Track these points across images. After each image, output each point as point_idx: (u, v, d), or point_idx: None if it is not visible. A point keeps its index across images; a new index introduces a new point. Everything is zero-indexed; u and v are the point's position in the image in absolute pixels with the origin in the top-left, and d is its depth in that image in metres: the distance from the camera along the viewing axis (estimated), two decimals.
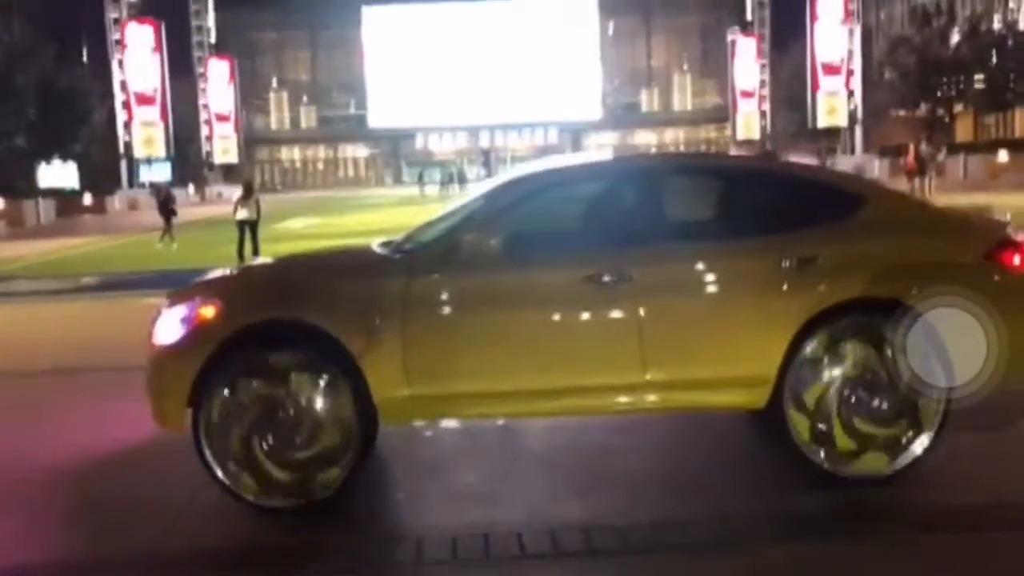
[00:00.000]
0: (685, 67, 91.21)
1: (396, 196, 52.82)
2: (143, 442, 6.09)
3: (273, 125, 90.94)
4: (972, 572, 4.12)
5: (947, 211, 5.68)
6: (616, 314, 4.97)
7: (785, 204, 5.23)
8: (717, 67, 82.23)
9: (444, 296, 5.01)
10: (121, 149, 61.69)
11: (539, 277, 5.05)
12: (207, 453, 4.95)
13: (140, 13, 63.23)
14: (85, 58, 65.20)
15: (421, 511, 5.06)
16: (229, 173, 70.00)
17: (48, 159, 48.73)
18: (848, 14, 63.83)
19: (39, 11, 50.91)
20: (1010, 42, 55.68)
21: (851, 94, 64.23)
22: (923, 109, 61.89)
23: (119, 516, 5.10)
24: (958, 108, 62.60)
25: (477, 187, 6.13)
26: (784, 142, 71.14)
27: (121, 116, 61.79)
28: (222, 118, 73.53)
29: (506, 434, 6.11)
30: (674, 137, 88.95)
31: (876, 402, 4.94)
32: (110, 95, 61.68)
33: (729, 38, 73.45)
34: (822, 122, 63.98)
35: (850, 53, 63.81)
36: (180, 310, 5.13)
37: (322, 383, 4.94)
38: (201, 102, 73.25)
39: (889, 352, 4.89)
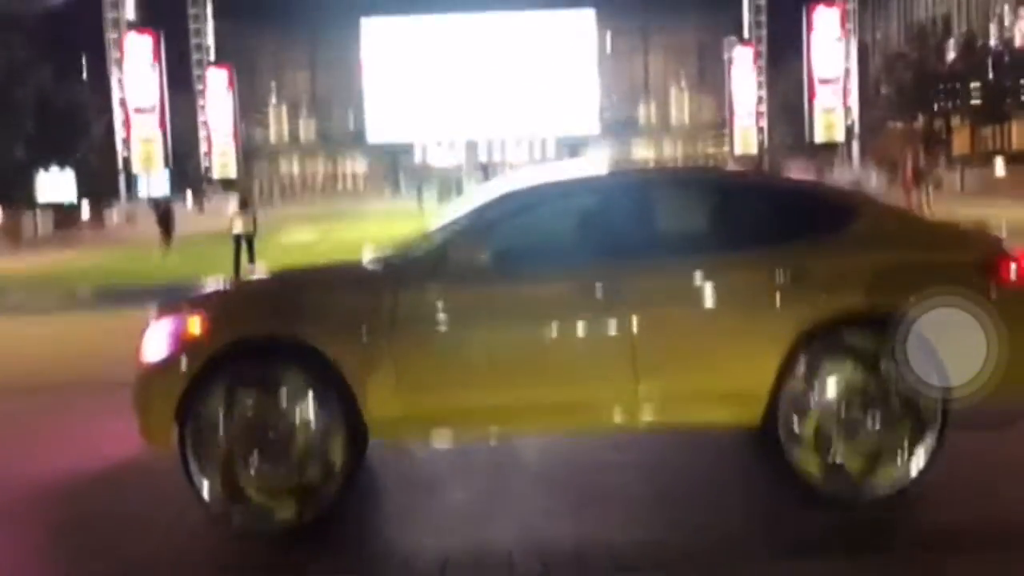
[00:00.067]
0: (683, 82, 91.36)
1: (394, 208, 52.75)
2: (133, 458, 6.03)
3: (272, 138, 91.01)
4: None
5: (941, 224, 5.64)
6: (608, 329, 4.93)
7: (778, 217, 5.21)
8: (714, 82, 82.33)
9: (433, 310, 4.97)
10: (120, 164, 61.67)
11: (530, 291, 5.01)
12: (193, 470, 4.89)
13: (138, 23, 63.31)
14: (84, 73, 65.26)
15: (411, 528, 5.00)
16: (228, 185, 69.96)
17: (47, 166, 48.66)
18: (844, 30, 63.96)
19: (38, 26, 50.94)
20: (1007, 58, 55.80)
21: (848, 109, 64.33)
22: (920, 122, 61.98)
23: (108, 534, 5.04)
24: (955, 121, 62.71)
25: (470, 199, 6.09)
26: (782, 156, 71.23)
27: (120, 133, 61.79)
28: (220, 128, 73.51)
29: (498, 450, 6.05)
30: (672, 151, 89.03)
31: (872, 417, 4.89)
32: (108, 110, 61.71)
33: (726, 54, 73.59)
34: (819, 137, 64.01)
35: (847, 70, 63.93)
36: (167, 325, 5.09)
37: (310, 399, 4.89)
38: (200, 119, 73.30)
39: (885, 365, 4.85)
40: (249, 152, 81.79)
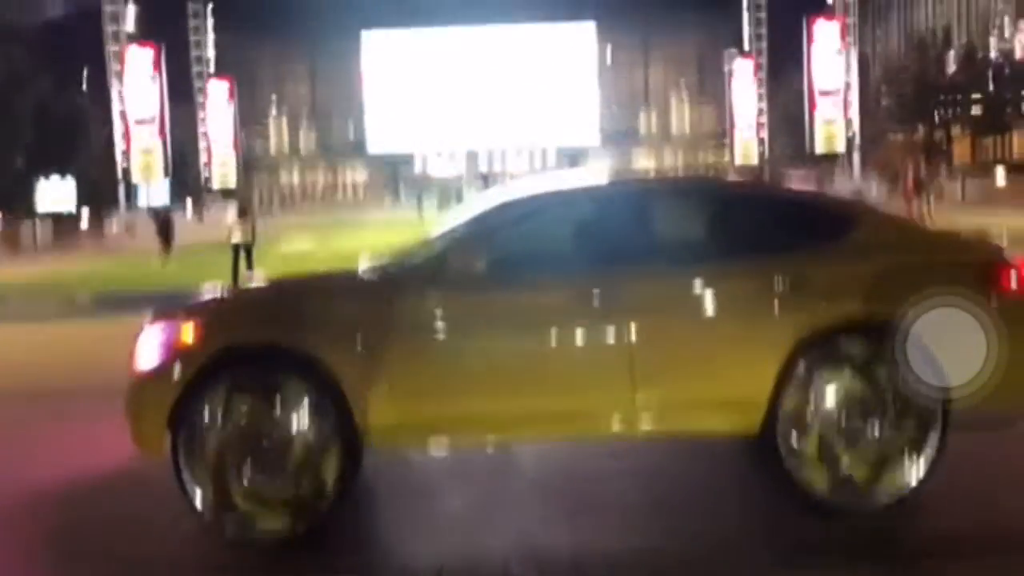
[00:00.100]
0: (683, 91, 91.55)
1: (394, 218, 52.78)
2: (128, 465, 5.97)
3: (272, 148, 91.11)
4: None
5: (940, 233, 5.61)
6: (605, 337, 4.89)
7: (777, 226, 5.17)
8: (715, 92, 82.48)
9: (429, 318, 4.93)
10: (119, 173, 61.69)
11: (527, 299, 4.97)
12: (186, 478, 4.84)
13: (140, 34, 63.42)
14: (85, 85, 65.37)
15: (407, 537, 4.95)
16: (228, 195, 70.00)
17: (47, 174, 48.70)
18: (844, 43, 64.07)
19: (39, 36, 51.07)
20: (1007, 70, 55.88)
21: (848, 121, 64.40)
22: (921, 132, 62.05)
23: (101, 540, 5.01)
24: (955, 131, 62.77)
25: (469, 208, 6.06)
26: (783, 167, 71.27)
27: (120, 144, 61.83)
28: (221, 139, 73.62)
29: (495, 457, 5.99)
30: (672, 161, 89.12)
31: (872, 425, 4.85)
32: (109, 120, 61.77)
33: (727, 66, 73.71)
34: (820, 148, 64.05)
35: (847, 82, 64.04)
36: (161, 332, 5.05)
37: (305, 407, 4.84)
38: (200, 130, 73.41)
39: (885, 372, 4.80)
40: (249, 162, 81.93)
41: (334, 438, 4.83)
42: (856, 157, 64.73)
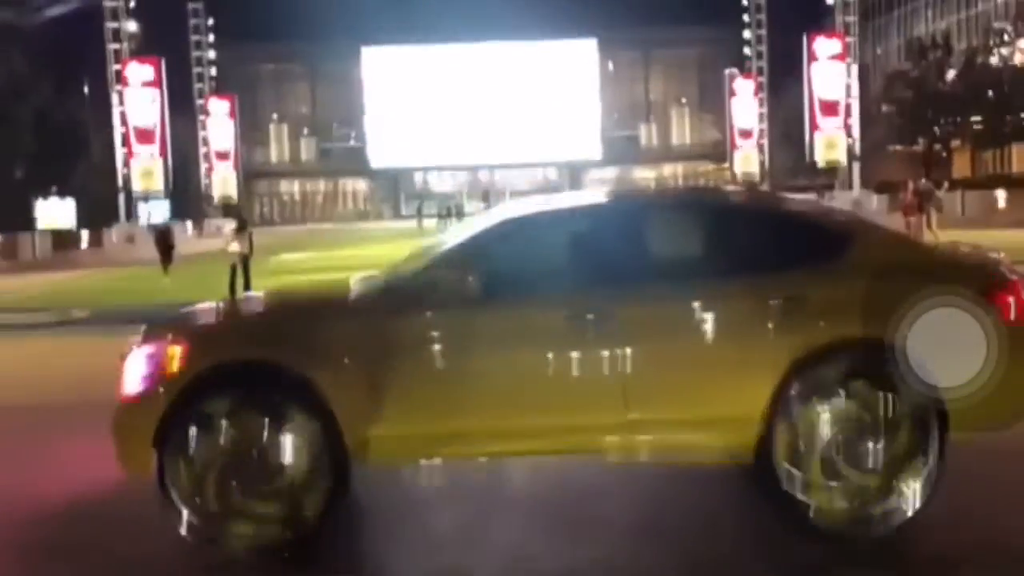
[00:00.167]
0: (684, 103, 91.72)
1: (394, 229, 52.85)
2: (114, 482, 5.90)
3: (273, 158, 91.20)
4: None
5: (938, 250, 5.53)
6: (598, 353, 4.83)
7: (773, 243, 5.11)
8: (715, 103, 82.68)
9: (419, 336, 4.86)
10: (120, 183, 61.75)
11: (518, 317, 4.90)
12: (173, 496, 4.78)
13: (141, 47, 63.58)
14: (86, 91, 65.47)
15: (395, 554, 4.88)
16: (228, 209, 70.14)
17: (45, 195, 48.73)
18: (845, 52, 64.23)
19: (39, 43, 51.17)
20: (1005, 80, 55.91)
21: (849, 131, 64.49)
22: (921, 145, 62.12)
23: (84, 565, 4.94)
24: (955, 144, 62.83)
25: (466, 225, 6.01)
26: (783, 179, 71.37)
27: (120, 151, 61.93)
28: (221, 155, 73.80)
29: (484, 475, 5.92)
30: (673, 172, 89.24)
31: (867, 447, 4.77)
32: (109, 129, 61.88)
33: (727, 84, 73.87)
34: (820, 159, 64.21)
35: (847, 89, 64.14)
36: (148, 348, 4.99)
37: (292, 424, 4.77)
38: (201, 140, 73.51)
39: (882, 392, 4.74)
40: (249, 174, 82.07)
41: (322, 454, 4.76)
42: (856, 169, 64.77)
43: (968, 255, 5.51)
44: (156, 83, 61.80)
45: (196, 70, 75.55)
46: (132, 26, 63.94)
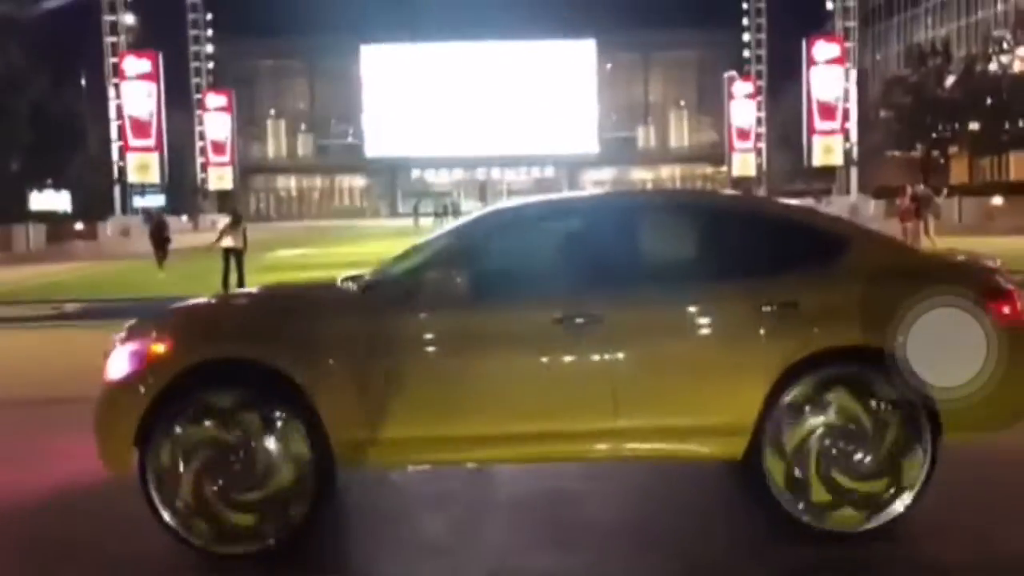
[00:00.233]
0: (682, 105, 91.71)
1: (391, 227, 52.81)
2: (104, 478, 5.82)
3: (270, 153, 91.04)
4: None
5: (933, 257, 5.46)
6: (587, 357, 4.76)
7: (766, 246, 5.04)
8: (714, 105, 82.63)
9: (406, 335, 4.78)
10: (115, 175, 61.55)
11: (507, 317, 4.82)
12: (154, 496, 4.69)
13: (138, 40, 63.38)
14: (83, 84, 65.30)
15: (381, 560, 4.80)
16: (224, 202, 70.01)
17: (40, 187, 48.63)
18: (844, 56, 64.21)
19: (37, 36, 51.01)
20: (1003, 87, 55.92)
21: (846, 135, 64.49)
22: (919, 151, 62.13)
23: (63, 562, 4.86)
24: (953, 150, 62.85)
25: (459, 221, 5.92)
26: (780, 181, 71.37)
27: (116, 143, 61.75)
28: (218, 148, 73.60)
29: (473, 479, 5.85)
30: (670, 174, 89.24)
31: (859, 454, 4.72)
32: (106, 122, 61.68)
33: (726, 87, 73.83)
34: (818, 162, 64.16)
35: (846, 93, 64.13)
36: (131, 345, 4.90)
37: (276, 424, 4.70)
38: (197, 134, 73.30)
39: (874, 399, 4.69)
40: (246, 169, 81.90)
41: (306, 455, 4.69)
42: (854, 172, 64.76)
43: (964, 262, 5.44)
44: (153, 76, 61.55)
45: (194, 64, 75.34)
46: (130, 19, 63.74)
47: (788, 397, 4.70)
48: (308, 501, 4.71)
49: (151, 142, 61.27)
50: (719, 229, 5.19)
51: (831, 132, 63.61)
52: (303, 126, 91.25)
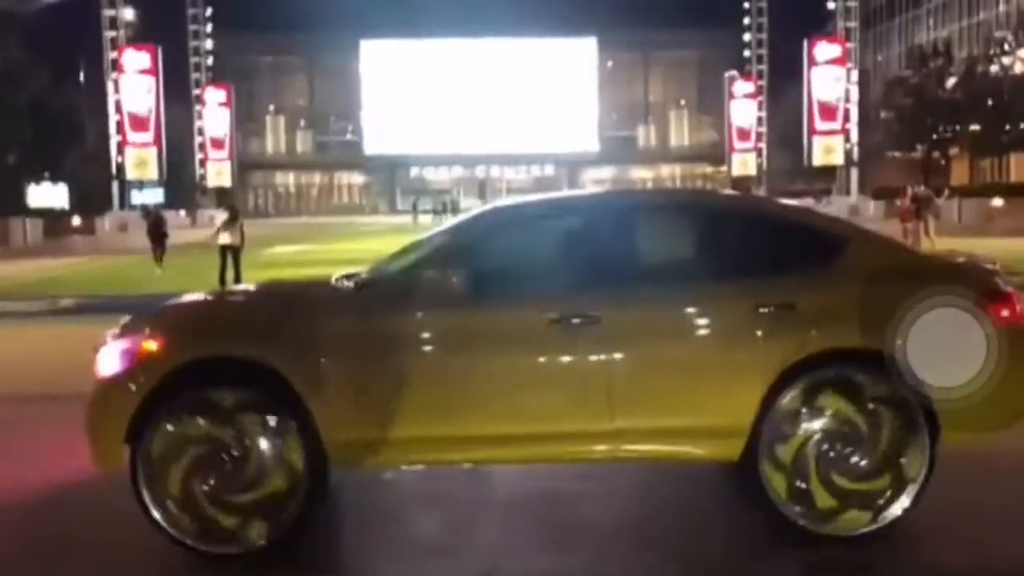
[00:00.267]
0: (682, 104, 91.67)
1: (389, 224, 52.76)
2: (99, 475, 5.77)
3: (269, 150, 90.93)
4: None
5: (932, 258, 5.40)
6: (583, 358, 4.70)
7: (764, 247, 4.99)
8: (714, 105, 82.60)
9: (400, 334, 4.71)
10: (113, 170, 61.43)
11: (503, 317, 4.76)
12: (144, 494, 4.64)
13: (137, 34, 63.24)
14: (81, 78, 65.16)
15: (375, 560, 4.74)
16: (222, 198, 69.93)
17: (38, 181, 48.56)
18: (845, 57, 64.15)
19: (36, 30, 50.95)
20: (1004, 89, 55.86)
21: (847, 135, 64.45)
22: (919, 151, 62.11)
23: (60, 559, 4.81)
24: (954, 152, 62.83)
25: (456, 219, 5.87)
26: (780, 181, 71.36)
27: (115, 137, 61.63)
28: (217, 144, 73.47)
29: (469, 479, 5.79)
30: (670, 173, 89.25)
31: (856, 457, 4.68)
32: (104, 116, 61.56)
33: (727, 87, 73.76)
34: (818, 162, 64.11)
35: (847, 93, 64.08)
36: (123, 342, 4.84)
37: (269, 423, 4.64)
38: (196, 129, 73.17)
39: (872, 402, 4.65)
40: (245, 165, 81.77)
41: (299, 454, 4.63)
42: (854, 173, 64.72)
43: (963, 263, 5.39)
44: (152, 71, 61.40)
45: (193, 60, 75.22)
46: (129, 14, 63.61)
47: (785, 399, 4.66)
48: (301, 501, 4.65)
49: (150, 137, 61.13)
50: (717, 229, 5.13)
51: (832, 132, 63.54)
52: (302, 122, 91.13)
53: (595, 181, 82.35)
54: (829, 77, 63.24)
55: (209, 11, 75.25)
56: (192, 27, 75.18)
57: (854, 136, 64.98)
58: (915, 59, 66.05)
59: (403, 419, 4.66)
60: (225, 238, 18.78)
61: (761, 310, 4.69)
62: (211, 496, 4.62)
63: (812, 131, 63.53)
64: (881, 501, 4.67)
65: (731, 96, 73.47)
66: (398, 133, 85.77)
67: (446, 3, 79.06)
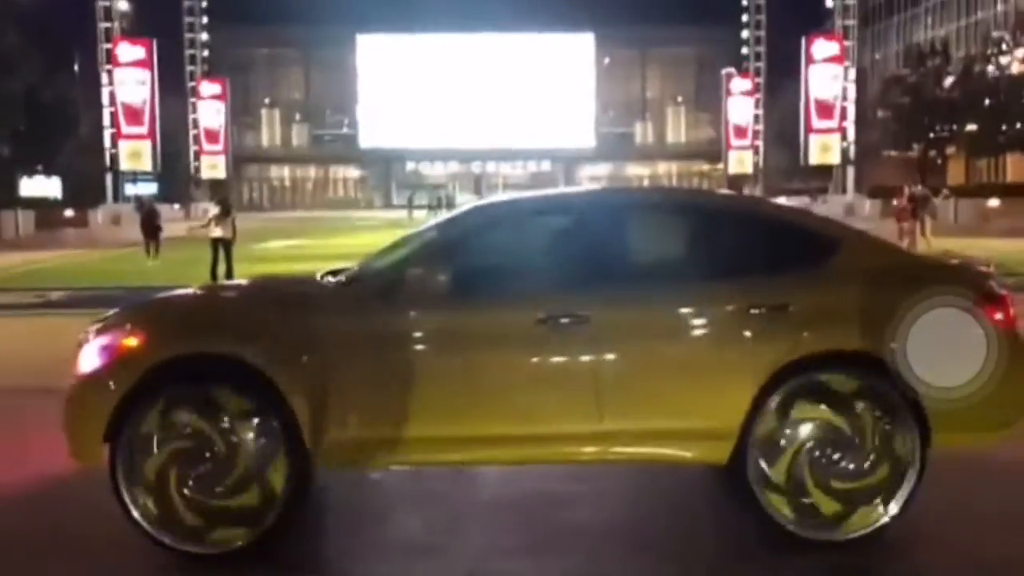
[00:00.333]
0: (679, 101, 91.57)
1: (384, 218, 52.62)
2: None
3: (264, 143, 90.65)
4: None
5: (926, 260, 5.33)
6: (571, 359, 4.62)
7: (756, 247, 4.91)
8: (711, 102, 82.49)
9: (385, 333, 4.63)
10: (107, 162, 61.20)
11: (490, 316, 4.68)
12: (124, 492, 4.54)
13: (132, 26, 63.00)
14: (76, 69, 64.88)
15: (359, 560, 4.65)
16: (216, 191, 69.67)
17: (31, 173, 48.33)
18: (842, 55, 64.12)
19: (30, 21, 50.65)
20: (1001, 89, 55.85)
21: (844, 134, 64.43)
22: (916, 150, 62.11)
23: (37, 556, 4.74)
24: (950, 151, 62.83)
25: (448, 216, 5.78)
26: (777, 180, 71.32)
27: (108, 129, 61.40)
28: (212, 136, 73.22)
29: (457, 480, 5.70)
30: (667, 170, 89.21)
31: (845, 459, 4.61)
32: (99, 108, 61.33)
33: (724, 84, 73.70)
34: (814, 160, 64.10)
35: (844, 91, 64.06)
36: (104, 338, 4.75)
37: (250, 422, 4.55)
38: (191, 122, 72.92)
39: (863, 405, 4.58)
40: (240, 158, 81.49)
41: (280, 454, 4.54)
42: (850, 172, 64.72)
43: (957, 264, 5.32)
44: (147, 63, 61.18)
45: (188, 52, 74.93)
46: (124, 5, 63.38)
47: (774, 401, 4.58)
48: (283, 501, 4.56)
49: (144, 129, 60.90)
50: (710, 229, 5.05)
51: (828, 131, 63.53)
52: (298, 116, 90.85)
53: (591, 177, 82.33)
54: (826, 75, 63.20)
55: (205, 3, 74.95)
56: (187, 19, 74.84)
57: (851, 134, 64.95)
58: (913, 58, 65.98)
59: (388, 419, 4.57)
60: (217, 232, 18.63)
61: (753, 311, 4.62)
62: (190, 496, 4.53)
63: (809, 129, 63.49)
64: (871, 502, 4.60)
65: (728, 93, 73.38)
66: (394, 127, 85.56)
67: None
